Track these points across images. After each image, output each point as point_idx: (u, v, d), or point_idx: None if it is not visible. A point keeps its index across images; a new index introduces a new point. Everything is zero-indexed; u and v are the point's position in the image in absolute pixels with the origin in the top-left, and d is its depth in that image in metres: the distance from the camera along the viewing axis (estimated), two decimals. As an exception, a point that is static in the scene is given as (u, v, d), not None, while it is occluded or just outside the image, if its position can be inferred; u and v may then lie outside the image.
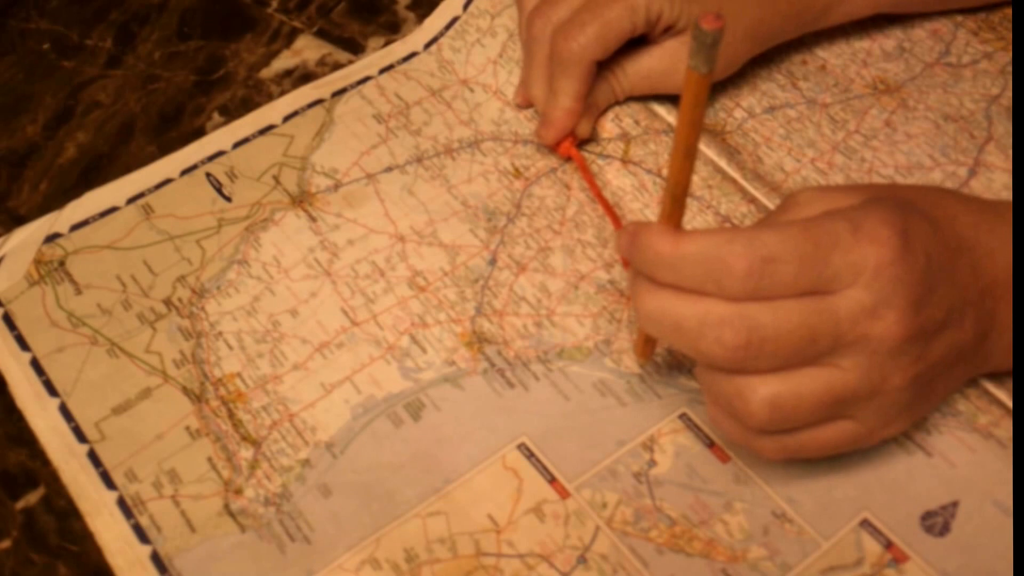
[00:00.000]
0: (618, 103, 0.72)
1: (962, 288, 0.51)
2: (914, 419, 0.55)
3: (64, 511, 0.59)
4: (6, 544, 0.58)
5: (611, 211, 0.67)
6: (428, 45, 0.78)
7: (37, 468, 0.61)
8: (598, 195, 0.68)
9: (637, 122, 0.72)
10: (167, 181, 0.71)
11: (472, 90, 0.75)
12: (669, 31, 0.68)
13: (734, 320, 0.47)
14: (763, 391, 0.49)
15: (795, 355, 0.48)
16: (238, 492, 0.59)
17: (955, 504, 0.56)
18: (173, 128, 0.75)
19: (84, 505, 0.59)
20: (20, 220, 0.70)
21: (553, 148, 0.71)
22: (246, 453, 0.60)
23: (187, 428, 0.61)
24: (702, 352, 0.49)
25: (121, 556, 0.57)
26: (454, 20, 0.78)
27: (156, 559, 0.57)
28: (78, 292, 0.66)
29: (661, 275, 0.49)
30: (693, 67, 0.45)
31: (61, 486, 0.60)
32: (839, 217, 0.49)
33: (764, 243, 0.47)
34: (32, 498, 0.60)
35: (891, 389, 0.50)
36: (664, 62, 0.69)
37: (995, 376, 0.59)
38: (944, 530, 0.55)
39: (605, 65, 0.69)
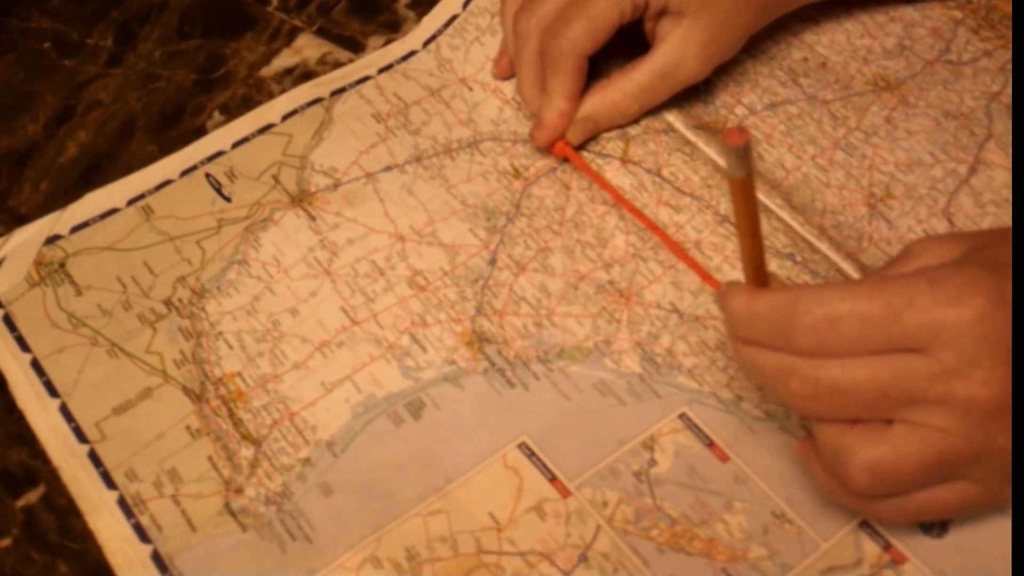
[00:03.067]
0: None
1: None
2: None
3: (64, 510, 0.59)
4: (6, 542, 0.59)
5: (626, 204, 0.67)
6: (427, 43, 0.78)
7: (38, 467, 0.61)
8: (612, 193, 0.68)
9: (636, 121, 0.72)
10: (167, 182, 0.71)
11: (471, 89, 0.75)
12: (663, 14, 0.68)
13: (802, 370, 0.49)
14: (862, 456, 0.49)
15: (868, 408, 0.48)
16: (239, 491, 0.59)
17: (954, 505, 0.56)
18: (174, 127, 0.75)
19: (84, 504, 0.59)
20: (21, 219, 0.70)
21: (547, 149, 0.71)
22: (247, 452, 0.60)
23: (187, 427, 0.61)
24: (781, 398, 0.50)
25: (121, 555, 0.57)
26: (453, 18, 0.78)
27: (157, 558, 0.57)
28: (78, 293, 0.67)
29: (742, 332, 0.51)
30: (733, 175, 0.47)
31: (61, 485, 0.60)
32: (921, 276, 0.48)
33: (828, 301, 0.48)
34: (32, 496, 0.60)
35: (1000, 450, 0.48)
36: (669, 59, 0.69)
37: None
38: (942, 531, 0.55)
39: (611, 84, 0.70)
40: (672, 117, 0.72)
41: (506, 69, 0.75)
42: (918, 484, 0.51)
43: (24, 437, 0.62)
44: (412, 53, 0.78)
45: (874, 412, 0.49)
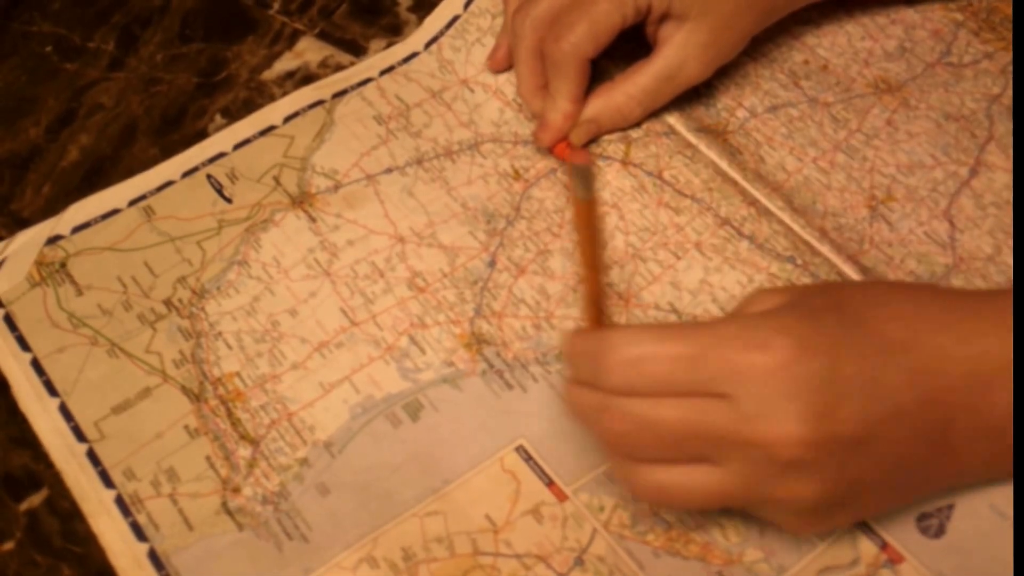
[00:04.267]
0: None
1: (890, 396, 0.49)
2: (858, 519, 0.55)
3: (67, 513, 0.59)
4: (10, 546, 0.59)
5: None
6: (428, 44, 0.78)
7: (40, 470, 0.61)
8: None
9: (638, 124, 0.72)
10: (168, 183, 0.72)
11: (472, 90, 0.75)
12: (666, 18, 0.68)
13: (614, 409, 0.49)
14: (649, 478, 0.50)
15: (676, 449, 0.49)
16: (236, 491, 0.59)
17: (951, 507, 0.56)
18: (175, 130, 0.75)
19: (87, 507, 0.59)
20: (23, 223, 0.70)
21: (550, 150, 0.71)
22: (244, 452, 0.60)
23: (186, 427, 0.61)
24: (597, 436, 0.51)
25: (124, 558, 0.57)
26: (455, 19, 0.78)
27: (153, 557, 0.57)
28: (79, 293, 0.67)
29: (568, 369, 0.53)
30: (579, 197, 0.49)
31: (64, 488, 0.60)
32: (732, 322, 0.49)
33: (638, 341, 0.49)
34: (35, 500, 0.60)
35: (796, 498, 0.49)
36: (671, 61, 0.69)
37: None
38: (939, 532, 0.55)
39: (615, 87, 0.70)
40: (673, 120, 0.72)
41: (501, 62, 0.75)
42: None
43: (27, 440, 0.62)
44: (414, 55, 0.78)
45: (683, 452, 0.49)
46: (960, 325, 0.50)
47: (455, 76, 0.76)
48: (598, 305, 0.53)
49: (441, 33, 0.78)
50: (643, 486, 0.51)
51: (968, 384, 0.49)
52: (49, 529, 0.59)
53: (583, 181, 0.47)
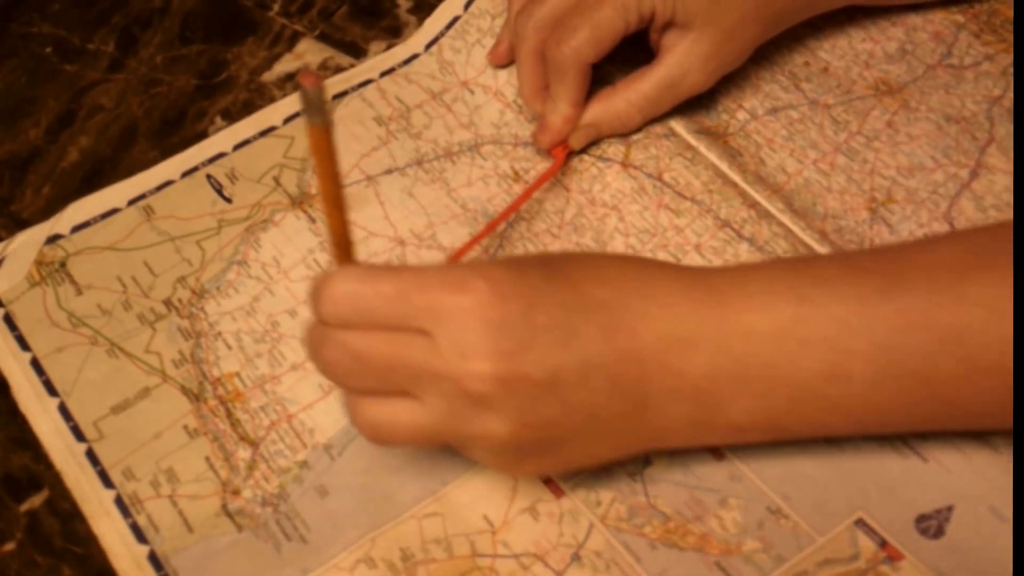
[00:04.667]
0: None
1: (584, 347, 0.51)
2: (553, 471, 0.57)
3: (68, 514, 0.59)
4: (10, 547, 0.59)
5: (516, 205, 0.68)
6: (429, 46, 0.78)
7: (41, 471, 0.61)
8: (526, 194, 0.68)
9: (638, 129, 0.72)
10: (168, 183, 0.72)
11: (472, 92, 0.75)
12: (670, 27, 0.68)
13: (329, 339, 0.52)
14: (364, 413, 0.53)
15: (383, 381, 0.52)
16: (236, 493, 0.59)
17: (950, 508, 0.56)
18: (175, 132, 0.75)
19: (88, 508, 0.59)
20: (23, 225, 0.70)
21: (547, 152, 0.71)
22: (244, 454, 0.60)
23: (185, 427, 0.61)
24: (319, 368, 0.53)
25: (124, 559, 0.57)
26: (455, 20, 0.78)
27: (153, 558, 0.57)
28: (79, 293, 0.67)
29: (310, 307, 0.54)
30: (312, 123, 0.48)
31: (65, 489, 0.60)
32: (439, 266, 0.52)
33: (352, 279, 0.51)
34: (36, 501, 0.60)
35: (489, 435, 0.51)
36: (674, 70, 0.69)
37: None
38: (938, 533, 0.55)
39: (616, 93, 0.70)
40: (673, 122, 0.72)
41: (501, 57, 0.75)
42: (425, 445, 0.58)
43: (27, 441, 0.62)
44: (414, 56, 0.78)
45: (389, 384, 0.52)
46: (664, 294, 0.53)
47: (455, 78, 0.76)
48: (343, 242, 0.54)
49: (441, 34, 0.78)
50: (360, 419, 0.53)
51: (665, 346, 0.52)
52: (50, 530, 0.59)
53: (313, 105, 0.46)
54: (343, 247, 0.54)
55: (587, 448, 0.54)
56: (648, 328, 0.52)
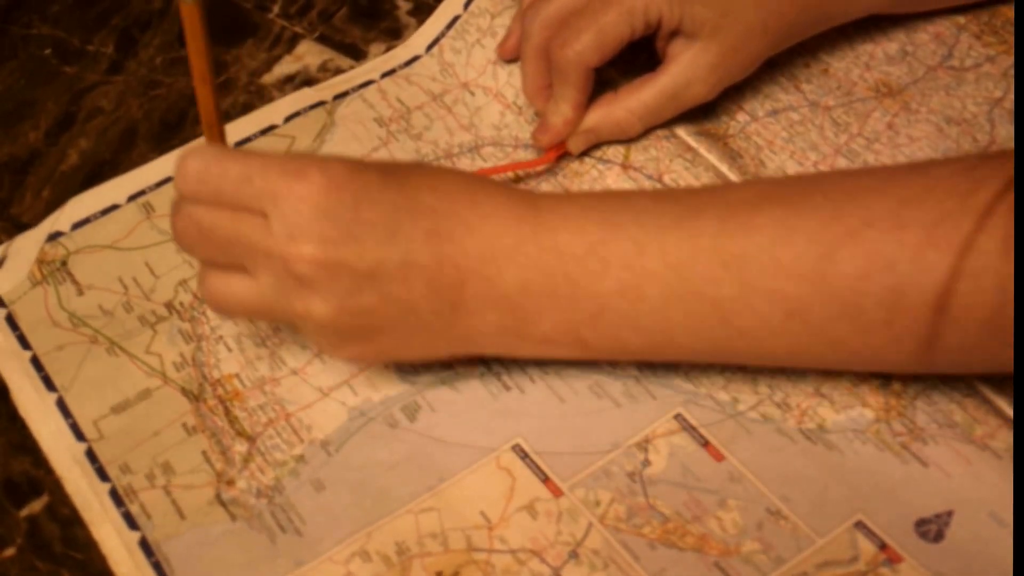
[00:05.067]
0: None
1: (406, 246, 0.55)
2: (375, 358, 0.62)
3: (68, 519, 0.59)
4: (10, 552, 0.58)
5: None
6: (430, 47, 0.78)
7: (41, 476, 0.61)
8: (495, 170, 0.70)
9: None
10: (167, 179, 0.72)
11: (473, 93, 0.75)
12: (676, 35, 0.68)
13: (181, 211, 0.57)
14: (208, 283, 0.58)
15: (223, 254, 0.57)
16: (230, 483, 0.59)
17: (949, 513, 0.55)
18: (175, 134, 0.75)
19: (88, 514, 0.59)
20: (23, 227, 0.70)
21: (544, 151, 0.71)
22: (240, 447, 0.60)
23: (183, 425, 0.61)
24: (174, 237, 0.58)
25: (125, 565, 0.57)
26: (455, 19, 0.78)
27: (144, 545, 0.57)
28: (80, 293, 0.67)
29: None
30: (184, 3, 0.52)
31: (65, 494, 0.60)
32: (284, 155, 0.56)
33: (205, 158, 0.55)
34: (36, 506, 0.60)
35: (311, 314, 0.55)
36: (678, 80, 0.69)
37: (993, 381, 0.59)
38: (938, 537, 0.55)
39: (617, 100, 0.70)
40: (674, 123, 0.72)
41: (510, 51, 0.75)
42: (261, 318, 0.63)
43: (27, 447, 0.62)
44: (416, 58, 0.78)
45: (230, 257, 0.57)
46: (490, 208, 0.57)
47: (456, 79, 0.76)
48: (212, 121, 0.57)
49: (442, 34, 0.78)
50: (204, 289, 0.58)
51: (484, 256, 0.56)
52: (50, 535, 0.59)
53: None
54: (212, 126, 0.57)
55: (404, 340, 0.58)
56: (470, 237, 0.56)
